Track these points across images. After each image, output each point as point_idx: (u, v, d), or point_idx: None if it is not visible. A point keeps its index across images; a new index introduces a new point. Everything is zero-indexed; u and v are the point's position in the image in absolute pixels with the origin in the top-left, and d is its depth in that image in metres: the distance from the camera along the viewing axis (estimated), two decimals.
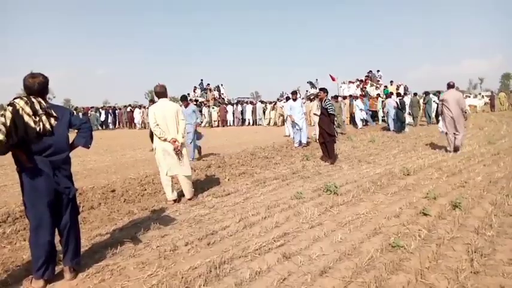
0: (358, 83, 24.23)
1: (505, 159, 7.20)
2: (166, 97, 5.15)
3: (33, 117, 2.60)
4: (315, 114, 10.47)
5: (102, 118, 26.94)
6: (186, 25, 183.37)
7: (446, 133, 8.68)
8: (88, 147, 3.09)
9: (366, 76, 24.92)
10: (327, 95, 8.09)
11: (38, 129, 2.61)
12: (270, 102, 24.25)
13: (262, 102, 25.66)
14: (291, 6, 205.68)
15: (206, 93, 28.17)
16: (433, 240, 3.39)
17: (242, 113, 24.36)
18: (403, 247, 3.22)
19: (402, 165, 7.04)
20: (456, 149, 8.36)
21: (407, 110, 15.51)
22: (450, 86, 8.64)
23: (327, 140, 7.92)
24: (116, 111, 28.09)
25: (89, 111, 26.55)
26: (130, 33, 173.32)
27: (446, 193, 4.99)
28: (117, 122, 27.58)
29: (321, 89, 8.31)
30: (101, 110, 28.26)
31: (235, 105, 24.91)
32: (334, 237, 3.54)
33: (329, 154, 7.96)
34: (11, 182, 6.77)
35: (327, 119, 7.85)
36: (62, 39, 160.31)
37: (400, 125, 14.17)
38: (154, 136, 5.04)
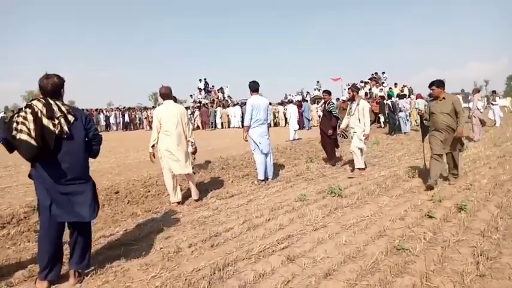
0: (362, 84, 24.17)
1: (510, 161, 7.14)
2: (171, 99, 5.13)
3: (51, 120, 2.60)
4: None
5: (112, 120, 26.91)
6: (191, 28, 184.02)
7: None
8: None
9: (373, 77, 24.86)
10: (330, 97, 8.08)
11: (56, 131, 2.61)
12: (280, 103, 24.47)
13: (269, 104, 25.59)
14: (295, 10, 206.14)
15: (210, 94, 28.18)
16: (439, 243, 3.36)
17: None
18: (408, 250, 3.19)
19: (407, 167, 7.01)
20: None
21: (405, 112, 15.38)
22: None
23: (326, 141, 7.91)
24: (126, 114, 27.85)
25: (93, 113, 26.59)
26: (135, 37, 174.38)
27: (451, 196, 4.96)
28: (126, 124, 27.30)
29: (324, 91, 8.22)
30: (108, 112, 28.15)
31: (239, 107, 24.85)
32: (338, 239, 3.52)
33: (328, 156, 7.97)
34: (15, 184, 6.81)
35: (328, 121, 7.83)
36: (67, 42, 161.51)
37: (393, 126, 14.24)
38: (158, 138, 4.99)
